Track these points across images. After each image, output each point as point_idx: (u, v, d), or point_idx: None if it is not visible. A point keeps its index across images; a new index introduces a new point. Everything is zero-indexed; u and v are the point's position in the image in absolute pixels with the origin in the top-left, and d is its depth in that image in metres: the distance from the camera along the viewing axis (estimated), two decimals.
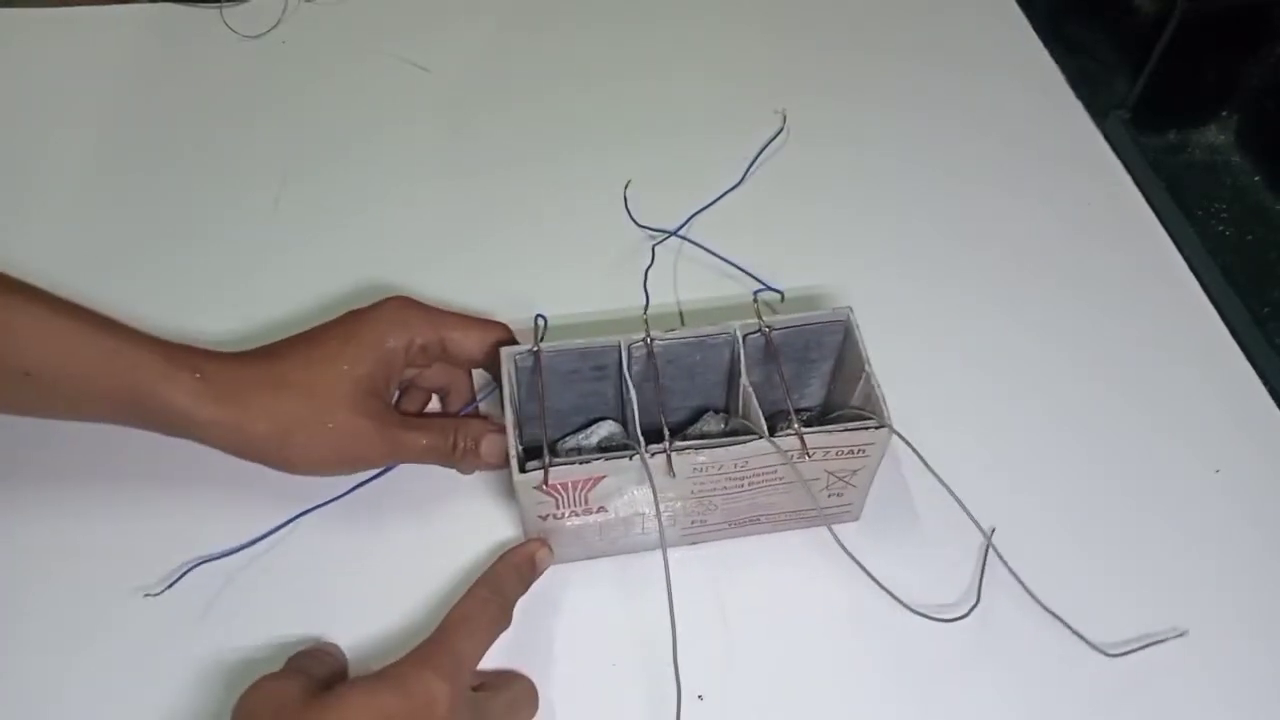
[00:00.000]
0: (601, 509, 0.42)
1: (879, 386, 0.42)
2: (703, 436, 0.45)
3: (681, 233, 0.58)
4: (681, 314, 0.54)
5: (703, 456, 0.40)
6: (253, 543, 0.45)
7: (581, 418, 0.47)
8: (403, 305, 0.45)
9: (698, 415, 0.47)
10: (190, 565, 0.44)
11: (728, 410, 0.47)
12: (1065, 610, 0.43)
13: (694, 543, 0.46)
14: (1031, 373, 0.53)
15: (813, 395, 0.49)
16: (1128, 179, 0.62)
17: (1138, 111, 0.63)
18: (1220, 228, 0.58)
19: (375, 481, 0.47)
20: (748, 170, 0.61)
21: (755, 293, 0.51)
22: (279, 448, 0.42)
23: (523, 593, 0.42)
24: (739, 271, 0.56)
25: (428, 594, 0.44)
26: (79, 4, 0.70)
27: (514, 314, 0.48)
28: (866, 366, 0.43)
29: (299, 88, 0.66)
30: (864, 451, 0.42)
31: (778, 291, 0.53)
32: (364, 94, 0.66)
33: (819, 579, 0.45)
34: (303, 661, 0.40)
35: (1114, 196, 0.61)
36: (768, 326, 0.44)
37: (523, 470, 0.39)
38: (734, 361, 0.44)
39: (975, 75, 0.68)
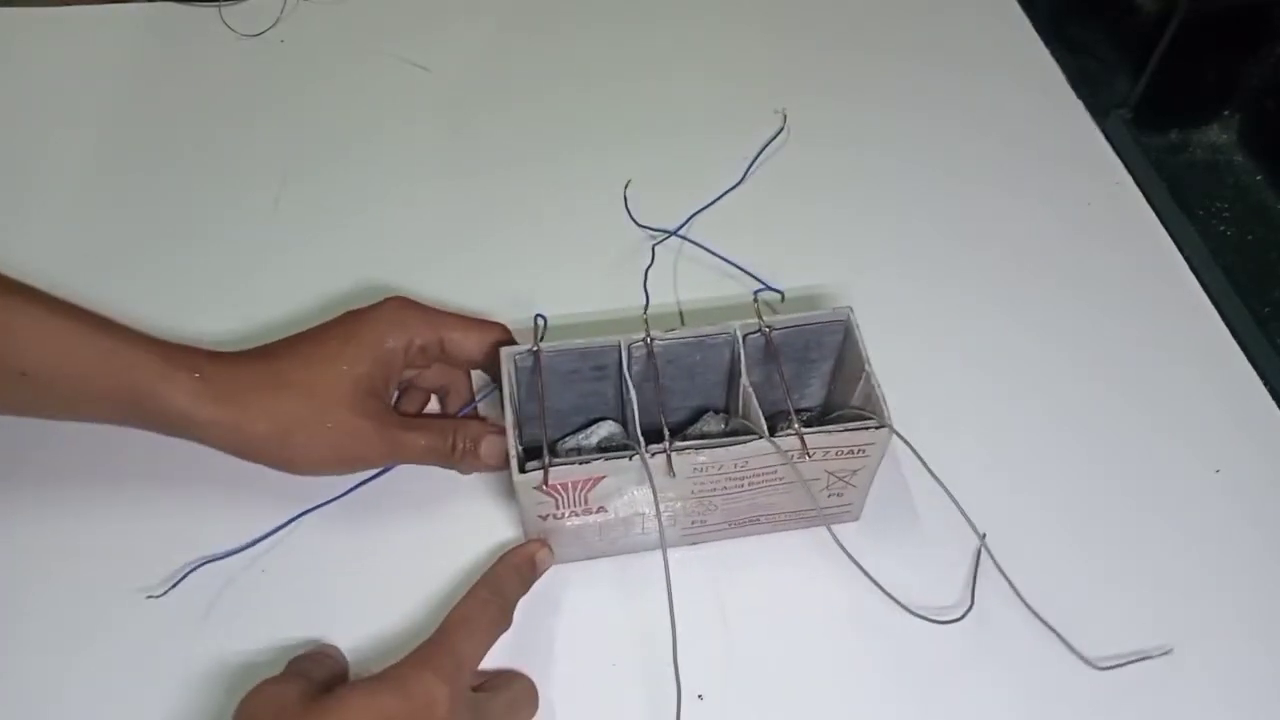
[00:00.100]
0: (601, 509, 0.42)
1: (879, 386, 0.42)
2: (703, 436, 0.45)
3: (681, 232, 0.58)
4: (681, 314, 0.54)
5: (703, 456, 0.40)
6: (254, 543, 0.45)
7: (581, 418, 0.47)
8: (402, 306, 0.45)
9: (698, 415, 0.47)
10: (193, 566, 0.44)
11: (728, 410, 0.47)
12: (1059, 614, 0.43)
13: (694, 543, 0.46)
14: (1032, 373, 0.53)
15: (813, 395, 0.49)
16: (1129, 179, 0.62)
17: (1139, 111, 0.63)
18: (1221, 227, 0.58)
19: (375, 482, 0.47)
20: (748, 170, 0.61)
21: (755, 293, 0.51)
22: (279, 447, 0.42)
23: (523, 593, 0.42)
24: (739, 271, 0.56)
25: (428, 594, 0.44)
26: (78, 4, 0.70)
27: (514, 314, 0.48)
28: (866, 366, 0.43)
29: (298, 87, 0.66)
30: (864, 451, 0.42)
31: (778, 291, 0.53)
32: (364, 94, 0.66)
33: (819, 579, 0.45)
34: (303, 665, 0.40)
35: (1115, 196, 0.61)
36: (768, 326, 0.44)
37: (523, 470, 0.39)
38: (734, 361, 0.44)
39: (976, 75, 0.68)
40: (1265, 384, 0.52)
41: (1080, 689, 0.42)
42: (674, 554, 0.42)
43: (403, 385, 0.49)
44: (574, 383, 0.45)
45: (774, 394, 0.45)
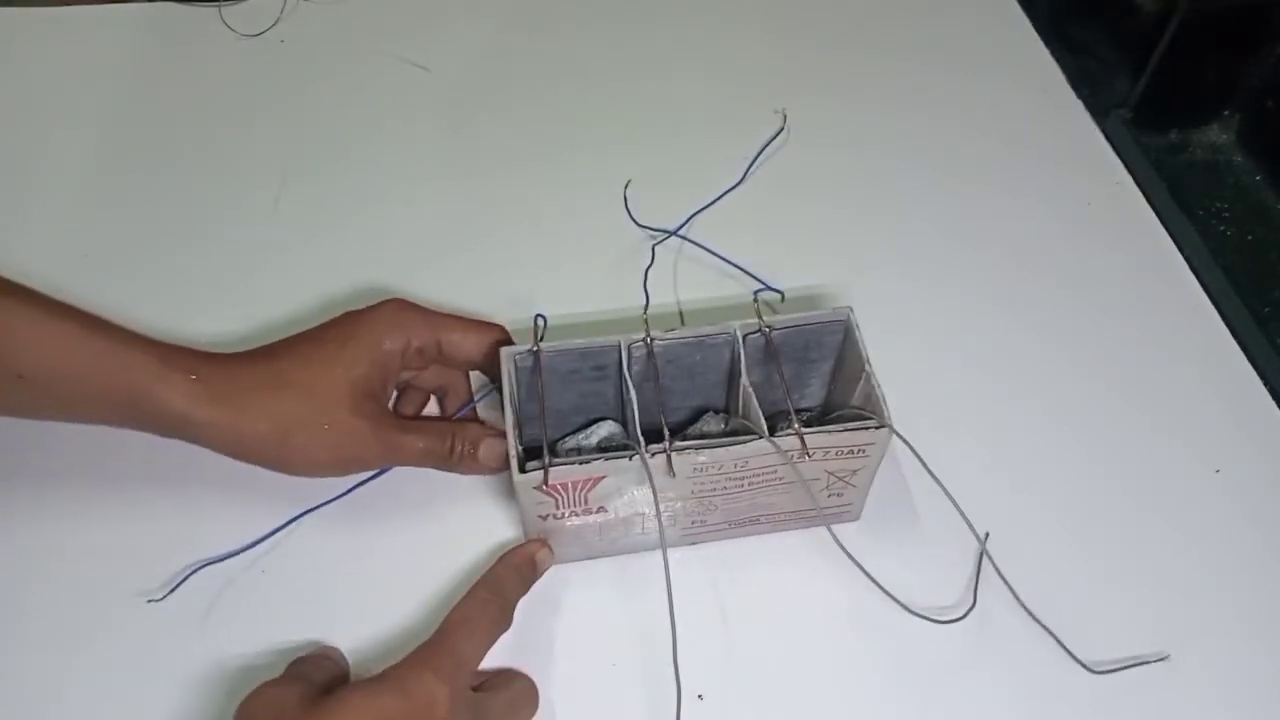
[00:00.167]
0: (601, 509, 0.42)
1: (879, 386, 0.42)
2: (703, 436, 0.45)
3: (681, 232, 0.58)
4: (681, 314, 0.54)
5: (703, 456, 0.40)
6: (253, 544, 0.45)
7: (581, 418, 0.47)
8: (400, 307, 0.45)
9: (698, 415, 0.47)
10: (193, 568, 0.44)
11: (728, 410, 0.47)
12: (1059, 616, 0.43)
13: (694, 543, 0.46)
14: (1032, 373, 0.53)
15: (813, 395, 0.49)
16: (1129, 179, 0.62)
17: (1139, 111, 0.63)
18: (1221, 227, 0.58)
19: (374, 482, 0.47)
20: (748, 170, 0.61)
21: (755, 293, 0.51)
22: (277, 448, 0.42)
23: (523, 594, 0.42)
24: (739, 271, 0.56)
25: (428, 595, 0.44)
26: (78, 4, 0.70)
27: (514, 314, 0.48)
28: (866, 366, 0.43)
29: (298, 87, 0.66)
30: (864, 451, 0.42)
31: (778, 291, 0.53)
32: (364, 94, 0.66)
33: (819, 579, 0.45)
34: (303, 667, 0.39)
35: (1115, 196, 0.61)
36: (768, 326, 0.44)
37: (523, 470, 0.39)
38: (734, 361, 0.44)
39: (976, 75, 0.68)
40: (1265, 384, 0.52)
41: (1080, 690, 0.42)
42: (674, 554, 0.42)
43: (400, 385, 0.49)
44: (574, 383, 0.45)
45: (774, 394, 0.45)
